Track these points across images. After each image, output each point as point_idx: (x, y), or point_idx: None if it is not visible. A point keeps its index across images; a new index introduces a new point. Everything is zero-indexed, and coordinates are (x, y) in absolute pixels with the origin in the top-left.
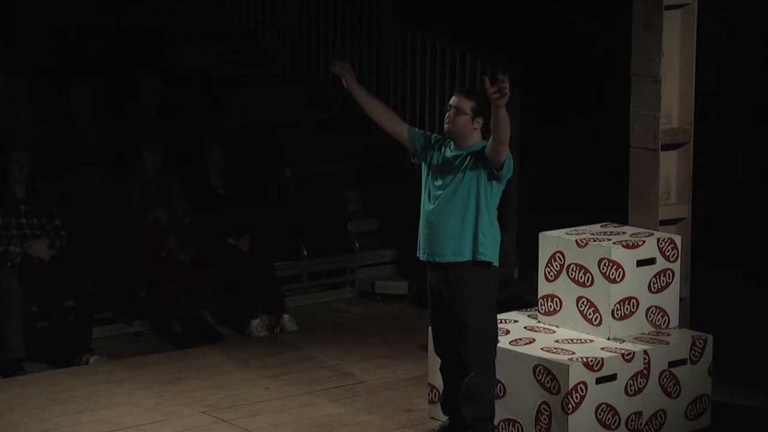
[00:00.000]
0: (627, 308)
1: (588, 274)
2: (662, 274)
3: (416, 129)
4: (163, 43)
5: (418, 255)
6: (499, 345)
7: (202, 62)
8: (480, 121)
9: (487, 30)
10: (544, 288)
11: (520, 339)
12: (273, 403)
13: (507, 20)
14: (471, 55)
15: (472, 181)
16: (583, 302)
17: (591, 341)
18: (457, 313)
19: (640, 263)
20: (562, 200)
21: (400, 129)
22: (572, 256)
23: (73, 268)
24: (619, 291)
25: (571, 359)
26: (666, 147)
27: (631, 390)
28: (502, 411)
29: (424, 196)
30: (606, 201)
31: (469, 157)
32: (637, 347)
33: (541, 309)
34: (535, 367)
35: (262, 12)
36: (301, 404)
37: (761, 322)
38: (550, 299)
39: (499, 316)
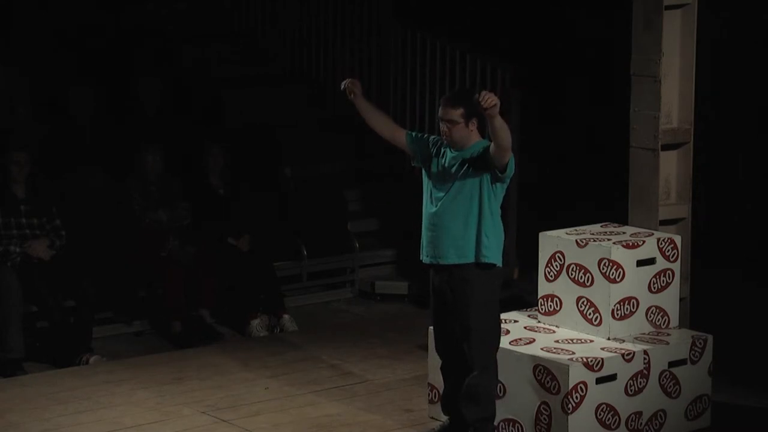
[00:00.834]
0: (627, 308)
1: (588, 274)
2: (662, 274)
3: (414, 133)
4: (163, 43)
5: (421, 258)
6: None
7: (202, 62)
8: (474, 121)
9: (487, 30)
10: (544, 288)
11: (520, 339)
12: (273, 403)
13: (507, 20)
14: (471, 55)
15: (474, 183)
16: (583, 302)
17: (591, 341)
18: (461, 314)
19: (640, 263)
20: (562, 200)
21: (399, 135)
22: (572, 256)
23: (73, 268)
24: (619, 291)
25: (571, 359)
26: (666, 147)
27: (631, 390)
28: (502, 411)
29: (425, 199)
30: (606, 201)
31: (470, 160)
32: (637, 347)
33: (541, 309)
34: (535, 367)
35: (262, 12)
36: (301, 404)
37: (761, 322)
38: (550, 299)
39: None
